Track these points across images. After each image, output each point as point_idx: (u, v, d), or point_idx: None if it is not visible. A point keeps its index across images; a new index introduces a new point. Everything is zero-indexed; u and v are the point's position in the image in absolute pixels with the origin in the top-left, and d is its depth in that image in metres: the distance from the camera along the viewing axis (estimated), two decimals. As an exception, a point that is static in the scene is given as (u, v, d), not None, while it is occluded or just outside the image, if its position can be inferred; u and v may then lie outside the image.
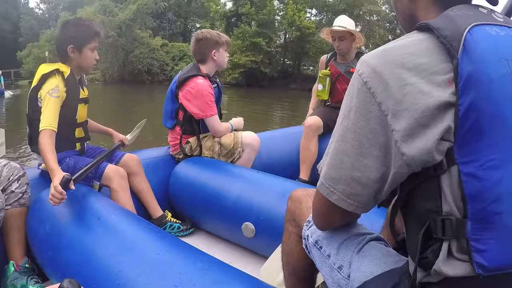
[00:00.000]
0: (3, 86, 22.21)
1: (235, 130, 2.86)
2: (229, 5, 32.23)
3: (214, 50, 2.76)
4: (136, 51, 30.16)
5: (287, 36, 31.26)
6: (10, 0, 51.83)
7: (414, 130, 0.71)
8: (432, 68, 0.72)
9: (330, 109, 3.41)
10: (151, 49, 30.66)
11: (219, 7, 32.13)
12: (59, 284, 0.73)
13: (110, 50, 29.93)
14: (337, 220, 0.97)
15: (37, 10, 58.96)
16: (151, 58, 30.23)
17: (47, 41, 36.67)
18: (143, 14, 30.65)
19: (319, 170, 0.90)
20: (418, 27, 0.79)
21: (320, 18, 31.70)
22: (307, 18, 30.12)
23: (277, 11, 31.04)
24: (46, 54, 35.88)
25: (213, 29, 3.32)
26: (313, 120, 3.20)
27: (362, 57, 0.81)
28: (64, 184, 1.73)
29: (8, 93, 21.98)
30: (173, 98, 2.76)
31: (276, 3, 31.24)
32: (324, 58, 3.58)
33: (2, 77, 21.40)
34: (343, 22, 3.26)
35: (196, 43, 2.80)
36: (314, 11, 32.28)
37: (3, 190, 1.86)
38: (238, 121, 2.97)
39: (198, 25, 37.20)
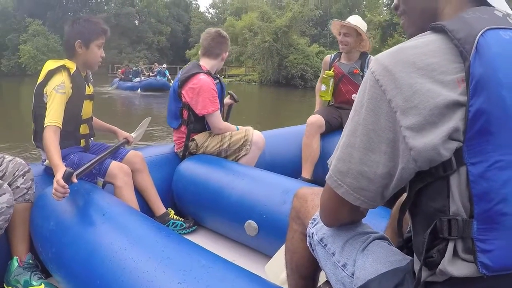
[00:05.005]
0: (170, 80, 22.86)
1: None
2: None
3: (227, 52, 2.83)
4: (290, 57, 30.69)
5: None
6: (182, 5, 58.18)
7: (422, 127, 0.72)
8: (442, 68, 0.73)
9: (332, 108, 3.42)
10: (305, 55, 31.11)
11: (381, 16, 31.84)
12: None
13: (266, 54, 31.01)
14: (344, 216, 0.98)
15: (206, 14, 63.96)
16: (305, 64, 30.63)
17: (214, 42, 39.47)
18: (299, 21, 31.20)
19: (329, 164, 0.90)
20: (433, 27, 0.80)
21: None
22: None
23: (434, 22, 30.85)
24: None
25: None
26: (315, 118, 3.20)
27: (376, 56, 0.82)
28: (66, 178, 1.73)
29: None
30: (176, 98, 2.76)
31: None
32: (328, 58, 3.57)
33: (167, 70, 21.82)
34: (355, 21, 3.25)
35: (217, 38, 2.80)
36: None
37: (8, 186, 1.86)
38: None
39: (360, 34, 38.03)
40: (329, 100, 3.50)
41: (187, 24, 54.27)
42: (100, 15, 45.26)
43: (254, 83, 33.11)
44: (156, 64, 24.89)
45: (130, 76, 21.48)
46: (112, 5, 50.31)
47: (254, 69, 35.01)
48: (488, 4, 0.83)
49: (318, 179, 3.02)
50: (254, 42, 31.01)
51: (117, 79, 22.41)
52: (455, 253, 0.74)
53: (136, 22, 50.79)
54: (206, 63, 2.80)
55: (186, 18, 55.48)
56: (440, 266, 0.75)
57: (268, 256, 1.96)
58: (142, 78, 20.60)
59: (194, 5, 63.52)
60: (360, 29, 3.20)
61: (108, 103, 15.73)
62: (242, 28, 34.56)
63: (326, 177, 0.89)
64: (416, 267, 0.83)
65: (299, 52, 30.98)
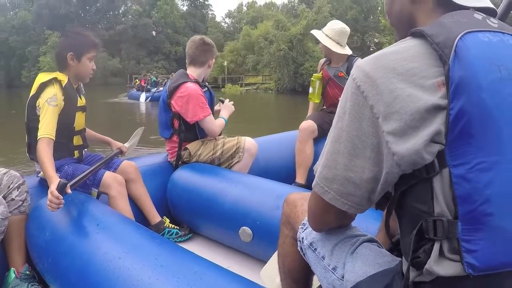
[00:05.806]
0: None
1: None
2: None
3: (213, 59, 2.84)
4: (306, 64, 30.66)
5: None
6: (199, 15, 59.37)
7: (404, 132, 0.73)
8: (422, 73, 0.74)
9: (324, 113, 3.44)
10: (320, 62, 31.15)
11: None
12: None
13: (281, 62, 30.99)
14: (332, 221, 0.99)
15: (223, 24, 65.03)
16: (321, 72, 30.64)
17: (230, 51, 39.89)
18: (314, 29, 30.95)
19: (315, 170, 0.91)
20: (413, 33, 0.81)
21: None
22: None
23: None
24: (225, 64, 38.13)
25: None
26: (307, 123, 3.23)
27: (357, 62, 0.84)
28: (61, 189, 1.75)
29: None
30: (166, 108, 2.76)
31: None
32: (322, 61, 3.61)
33: None
34: (326, 27, 3.33)
35: (202, 46, 2.79)
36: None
37: (3, 198, 1.88)
38: (227, 107, 2.97)
39: (376, 40, 37.48)
40: (321, 104, 3.53)
41: (204, 34, 55.04)
42: (118, 27, 46.33)
43: (271, 91, 33.11)
44: (173, 74, 24.82)
45: (149, 86, 21.40)
46: (130, 16, 51.38)
47: (271, 77, 34.96)
48: (463, 8, 0.84)
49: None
50: (270, 51, 31.00)
51: (134, 90, 22.33)
52: (441, 253, 0.75)
53: (154, 33, 51.81)
54: (192, 71, 2.81)
55: (202, 28, 56.08)
56: (426, 266, 0.76)
57: (263, 261, 1.96)
58: (161, 88, 20.56)
59: (210, 15, 64.41)
60: (316, 35, 3.30)
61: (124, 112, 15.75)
62: (258, 37, 34.67)
63: (313, 184, 0.90)
64: (405, 267, 0.84)
65: (315, 60, 30.88)
